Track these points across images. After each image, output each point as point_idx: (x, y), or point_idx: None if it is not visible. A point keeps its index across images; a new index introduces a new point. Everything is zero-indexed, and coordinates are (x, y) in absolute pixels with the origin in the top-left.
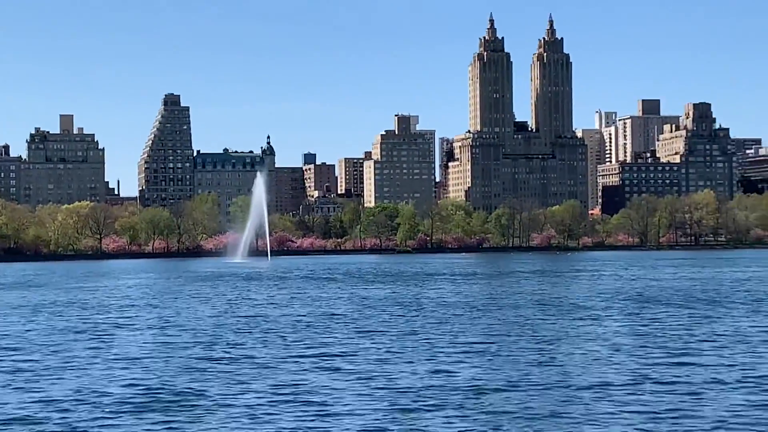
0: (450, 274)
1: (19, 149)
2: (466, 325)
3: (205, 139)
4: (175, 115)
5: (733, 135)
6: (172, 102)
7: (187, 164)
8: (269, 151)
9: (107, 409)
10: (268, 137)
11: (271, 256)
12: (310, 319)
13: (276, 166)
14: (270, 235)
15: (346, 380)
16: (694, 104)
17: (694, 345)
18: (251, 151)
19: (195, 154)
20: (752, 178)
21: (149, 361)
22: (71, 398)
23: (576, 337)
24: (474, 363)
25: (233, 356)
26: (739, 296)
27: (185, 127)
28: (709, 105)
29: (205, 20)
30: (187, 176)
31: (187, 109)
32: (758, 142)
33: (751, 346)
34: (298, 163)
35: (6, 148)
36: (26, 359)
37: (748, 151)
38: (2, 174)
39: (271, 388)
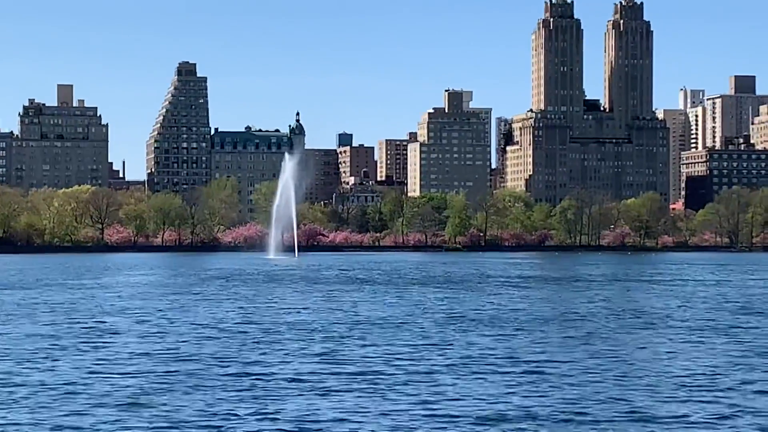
0: (506, 277)
1: (11, 124)
2: (532, 343)
3: (224, 116)
4: (190, 87)
5: None
6: (186, 72)
7: (204, 144)
8: (298, 130)
9: None
10: (298, 114)
11: (299, 251)
12: (346, 329)
13: (306, 147)
14: (298, 227)
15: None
16: None
17: None
18: (278, 130)
19: (213, 132)
20: None
21: (123, 378)
22: None
23: (663, 359)
24: (543, 389)
25: (240, 373)
26: None
27: (201, 101)
28: None
29: None
30: (203, 158)
31: (204, 80)
32: None
33: None
34: (331, 144)
35: None
36: None
37: None
38: None
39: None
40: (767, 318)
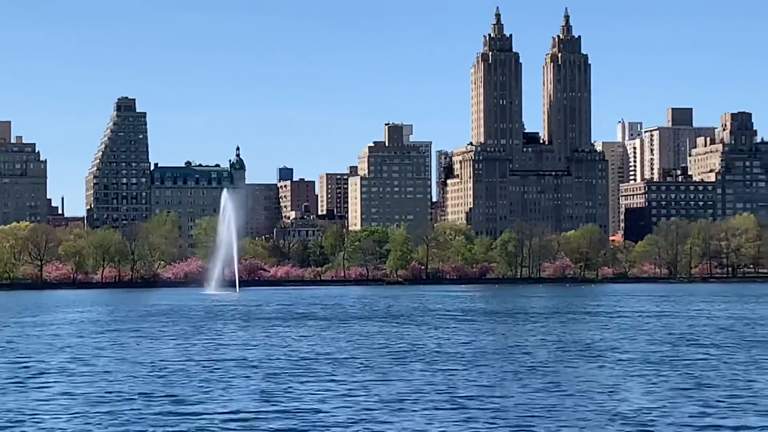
0: (448, 311)
1: None
2: (471, 378)
3: (164, 151)
4: (129, 123)
5: None
6: (125, 107)
7: (143, 180)
8: (239, 165)
9: None
10: (238, 149)
11: (240, 287)
12: (282, 366)
13: (246, 182)
14: (239, 262)
15: None
16: (731, 114)
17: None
18: (218, 165)
19: (152, 167)
20: None
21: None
22: None
23: (602, 392)
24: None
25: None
26: None
27: (141, 137)
28: (750, 115)
29: (165, 12)
30: (143, 193)
31: (143, 115)
32: None
33: None
34: (272, 179)
35: None
36: None
37: None
38: None
39: None
40: (707, 350)
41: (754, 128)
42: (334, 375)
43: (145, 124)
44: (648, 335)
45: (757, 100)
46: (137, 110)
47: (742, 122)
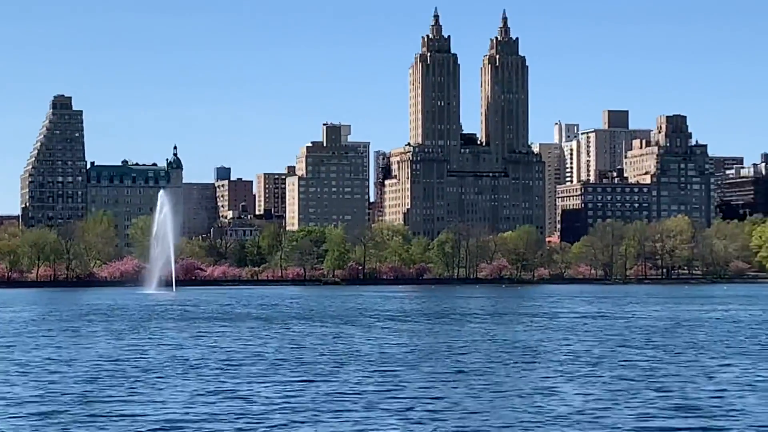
0: (384, 311)
1: None
2: (403, 381)
3: (100, 150)
4: (65, 121)
5: (711, 153)
6: (62, 105)
7: (79, 178)
8: (176, 164)
9: None
10: (175, 148)
11: (177, 286)
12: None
13: (184, 181)
14: (176, 262)
15: None
16: (667, 117)
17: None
18: (155, 164)
19: (89, 166)
20: (732, 203)
21: None
22: None
23: (538, 393)
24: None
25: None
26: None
27: (77, 135)
28: (685, 118)
29: (102, 9)
30: (79, 192)
31: (79, 113)
32: (739, 161)
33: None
34: (209, 178)
35: None
36: None
37: (728, 172)
38: None
39: None
40: (644, 351)
41: (689, 131)
42: (269, 376)
43: (82, 123)
44: (585, 336)
45: (691, 103)
46: (73, 108)
47: (677, 125)
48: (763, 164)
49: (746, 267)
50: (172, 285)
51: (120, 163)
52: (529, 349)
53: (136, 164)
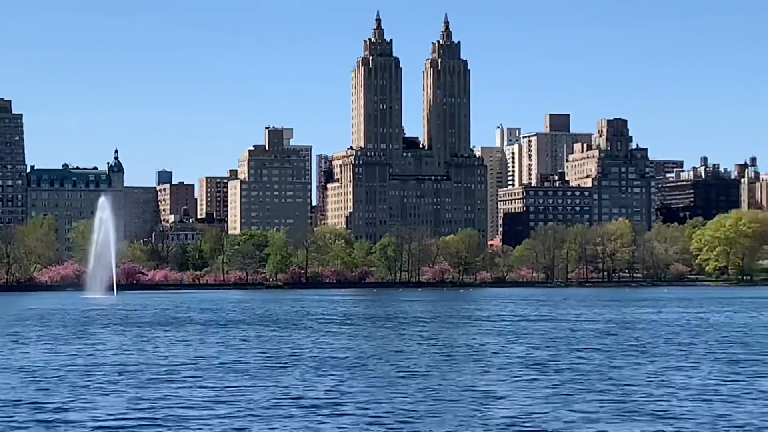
0: (327, 315)
1: None
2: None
3: (41, 153)
4: (5, 124)
5: (651, 156)
6: (1, 108)
7: (19, 182)
8: (117, 168)
9: None
10: (116, 152)
11: (118, 290)
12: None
13: (125, 185)
14: (117, 266)
15: None
16: (608, 120)
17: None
18: (96, 168)
19: (29, 170)
20: (673, 206)
21: None
22: None
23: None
24: None
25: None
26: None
27: (17, 138)
28: (625, 122)
29: (41, 13)
30: (19, 196)
31: (19, 116)
32: (679, 165)
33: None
34: (151, 182)
35: None
36: None
37: (668, 175)
38: None
39: None
40: (587, 354)
41: (630, 135)
42: (210, 381)
43: (22, 126)
44: (528, 339)
45: (632, 107)
46: (13, 112)
47: (617, 129)
48: (703, 168)
49: (686, 270)
50: (113, 289)
51: (60, 167)
52: (471, 353)
53: (77, 168)
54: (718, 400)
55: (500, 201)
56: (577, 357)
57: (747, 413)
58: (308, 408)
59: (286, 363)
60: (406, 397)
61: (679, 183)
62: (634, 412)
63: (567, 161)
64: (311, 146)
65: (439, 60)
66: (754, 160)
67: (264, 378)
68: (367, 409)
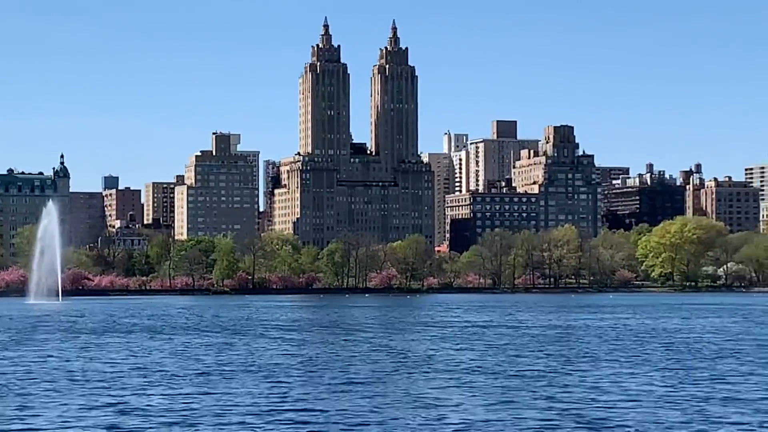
0: (274, 321)
1: None
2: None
3: None
4: None
5: (597, 163)
6: None
7: None
8: (63, 173)
9: None
10: (62, 157)
11: (63, 296)
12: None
13: (71, 190)
14: (63, 271)
15: None
16: (554, 127)
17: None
18: (41, 173)
19: None
20: (618, 213)
21: None
22: None
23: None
24: None
25: None
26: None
27: None
28: (572, 128)
29: None
30: None
31: None
32: (625, 171)
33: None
34: (97, 187)
35: None
36: None
37: (614, 182)
38: None
39: None
40: (534, 360)
41: (576, 141)
42: (156, 388)
43: None
44: (476, 345)
45: (578, 113)
46: None
47: (564, 135)
48: (648, 175)
49: (632, 276)
50: (58, 295)
51: (5, 172)
52: (419, 359)
53: (22, 173)
54: (659, 406)
55: (447, 207)
56: (523, 363)
57: (687, 417)
58: (253, 415)
59: (232, 370)
60: (353, 404)
61: (625, 190)
62: (580, 416)
63: (514, 167)
64: (258, 152)
65: (387, 66)
66: (699, 167)
67: (210, 385)
68: (314, 416)
